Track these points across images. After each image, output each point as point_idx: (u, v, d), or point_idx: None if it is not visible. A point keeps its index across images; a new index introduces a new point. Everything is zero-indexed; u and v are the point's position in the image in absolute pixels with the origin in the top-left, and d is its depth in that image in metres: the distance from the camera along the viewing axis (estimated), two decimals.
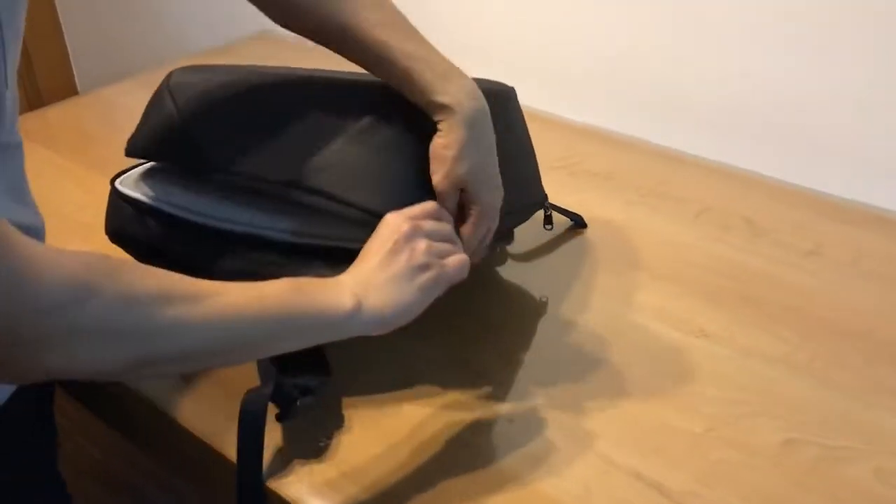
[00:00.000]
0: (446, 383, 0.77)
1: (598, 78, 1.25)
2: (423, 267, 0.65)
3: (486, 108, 0.72)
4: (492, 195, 0.73)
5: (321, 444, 0.71)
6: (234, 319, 0.58)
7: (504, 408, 0.75)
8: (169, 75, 0.78)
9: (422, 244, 0.66)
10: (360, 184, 0.73)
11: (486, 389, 0.77)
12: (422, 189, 0.72)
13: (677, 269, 0.93)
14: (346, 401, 0.76)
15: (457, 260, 0.68)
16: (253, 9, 0.77)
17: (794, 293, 0.89)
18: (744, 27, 1.10)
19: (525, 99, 0.89)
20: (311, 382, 0.70)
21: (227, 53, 1.49)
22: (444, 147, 0.70)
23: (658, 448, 0.71)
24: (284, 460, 0.70)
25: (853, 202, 1.04)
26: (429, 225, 0.68)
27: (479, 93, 0.72)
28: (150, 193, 0.76)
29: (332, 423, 0.74)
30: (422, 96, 0.70)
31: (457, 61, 0.73)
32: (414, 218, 0.68)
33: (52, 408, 0.80)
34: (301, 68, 0.81)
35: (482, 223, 0.73)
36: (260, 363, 0.75)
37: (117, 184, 0.79)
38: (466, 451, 0.71)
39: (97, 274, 0.52)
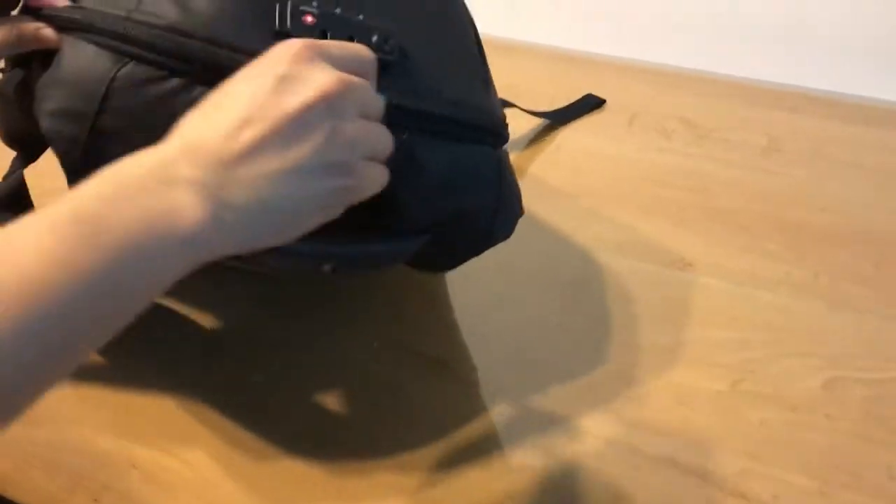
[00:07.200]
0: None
1: None
2: (342, 167, 0.41)
3: None
4: None
5: None
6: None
7: (482, 402, 0.58)
8: None
9: (350, 126, 0.41)
10: None
11: (449, 375, 0.60)
12: None
13: (624, 188, 0.77)
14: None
15: (379, 171, 0.44)
16: None
17: (764, 198, 0.76)
18: None
19: None
20: None
21: None
22: None
23: (684, 421, 0.56)
24: None
25: (796, 87, 0.92)
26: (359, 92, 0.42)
27: None
28: None
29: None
30: None
31: None
32: (337, 64, 0.41)
33: None
34: None
35: None
36: None
37: None
38: (466, 447, 0.54)
39: None
